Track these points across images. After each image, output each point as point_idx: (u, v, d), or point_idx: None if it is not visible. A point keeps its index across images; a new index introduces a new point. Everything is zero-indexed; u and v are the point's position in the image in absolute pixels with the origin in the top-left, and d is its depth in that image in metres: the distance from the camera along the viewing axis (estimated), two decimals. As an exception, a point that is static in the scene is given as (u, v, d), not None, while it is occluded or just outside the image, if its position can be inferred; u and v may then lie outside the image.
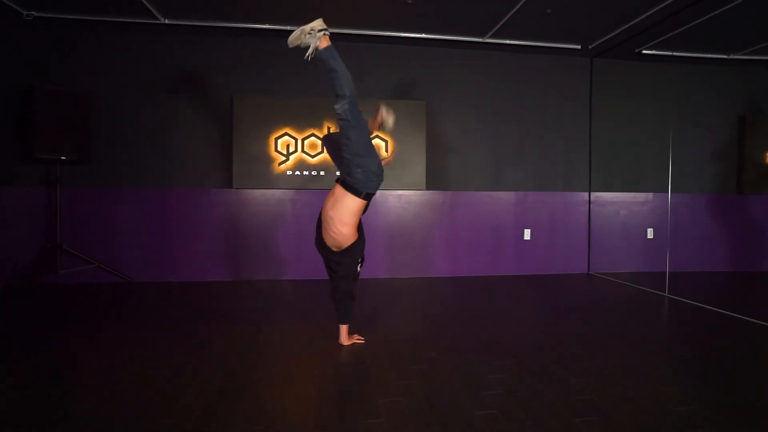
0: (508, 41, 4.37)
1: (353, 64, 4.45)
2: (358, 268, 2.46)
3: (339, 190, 2.35)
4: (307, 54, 2.29)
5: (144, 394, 1.88)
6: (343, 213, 2.34)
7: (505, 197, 4.81)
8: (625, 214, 5.03)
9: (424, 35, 4.25)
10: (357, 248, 2.42)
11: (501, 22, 3.97)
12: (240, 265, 4.40)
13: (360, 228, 2.45)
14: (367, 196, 2.35)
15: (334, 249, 2.41)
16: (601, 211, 4.99)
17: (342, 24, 4.04)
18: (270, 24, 4.04)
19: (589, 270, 4.96)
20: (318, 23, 2.28)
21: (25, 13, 3.79)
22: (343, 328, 2.54)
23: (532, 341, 2.63)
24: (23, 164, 4.00)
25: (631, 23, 3.95)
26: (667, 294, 3.89)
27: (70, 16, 3.84)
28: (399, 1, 3.63)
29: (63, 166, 4.01)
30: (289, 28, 4.06)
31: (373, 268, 4.35)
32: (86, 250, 4.12)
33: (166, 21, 3.92)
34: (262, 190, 4.41)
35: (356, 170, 2.29)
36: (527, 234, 4.84)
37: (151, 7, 3.70)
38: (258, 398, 1.86)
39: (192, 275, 4.32)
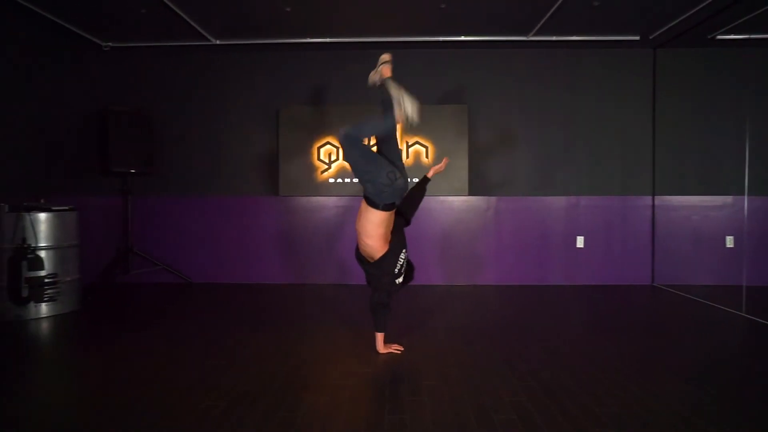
0: (554, 38, 4.13)
1: (395, 72, 4.49)
2: (397, 281, 2.46)
3: (363, 204, 2.44)
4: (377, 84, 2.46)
5: (184, 380, 2.06)
6: (366, 226, 2.41)
7: (555, 202, 4.54)
8: (698, 220, 4.50)
9: (462, 38, 4.16)
10: (386, 260, 2.44)
11: (544, 19, 3.76)
12: (287, 269, 4.62)
13: (395, 240, 2.46)
14: (386, 207, 2.37)
15: (369, 260, 2.50)
16: (667, 217, 4.51)
17: (379, 32, 4.09)
18: (311, 38, 4.20)
19: (653, 281, 4.52)
20: (383, 56, 2.49)
21: (103, 44, 4.32)
22: (379, 336, 2.56)
23: (561, 362, 2.46)
24: (103, 177, 4.54)
25: (701, 5, 3.50)
26: (743, 313, 3.42)
27: (138, 44, 4.30)
28: (433, 6, 3.60)
29: (133, 178, 4.49)
30: (329, 40, 4.21)
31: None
32: (153, 252, 4.58)
33: (218, 42, 4.23)
34: (306, 198, 4.60)
35: (366, 184, 2.37)
36: (580, 241, 4.53)
37: (204, 32, 4.03)
38: (277, 402, 1.95)
39: (242, 277, 4.62)
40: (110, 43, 4.31)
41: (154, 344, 2.72)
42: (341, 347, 2.68)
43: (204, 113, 4.61)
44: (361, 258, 2.55)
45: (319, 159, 4.51)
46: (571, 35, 4.11)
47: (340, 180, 4.51)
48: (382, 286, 2.46)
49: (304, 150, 4.52)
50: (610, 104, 4.49)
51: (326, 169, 4.51)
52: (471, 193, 4.53)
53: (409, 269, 2.58)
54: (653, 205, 4.52)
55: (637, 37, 4.12)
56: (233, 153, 4.62)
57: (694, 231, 4.51)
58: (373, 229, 2.39)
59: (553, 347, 2.65)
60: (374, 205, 2.37)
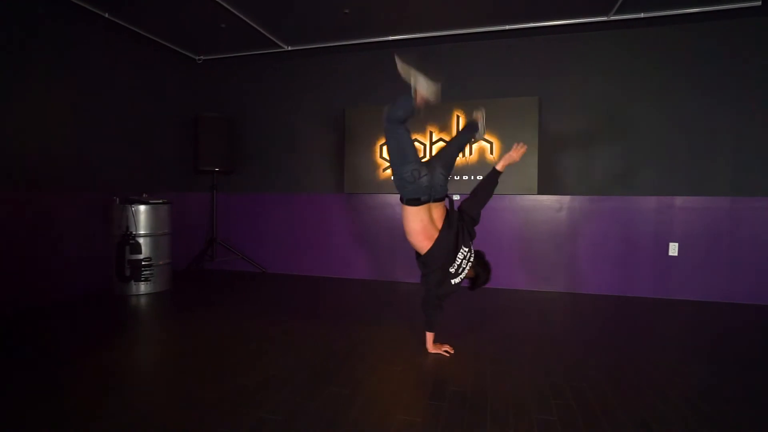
0: (641, 15, 3.60)
1: (456, 67, 4.36)
2: (453, 281, 2.40)
3: None
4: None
5: (232, 357, 2.27)
6: (403, 221, 2.42)
7: (642, 203, 3.98)
8: (844, 228, 3.58)
9: (530, 24, 3.84)
10: (430, 257, 2.39)
11: (626, -7, 3.31)
12: (350, 263, 4.76)
13: (443, 236, 2.38)
14: (409, 202, 2.35)
15: (419, 253, 2.47)
16: (797, 223, 3.66)
17: (441, 26, 3.98)
18: (373, 37, 4.25)
19: (773, 301, 3.71)
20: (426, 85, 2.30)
21: (197, 57, 4.88)
22: (429, 336, 2.54)
23: (612, 380, 2.15)
24: (196, 176, 5.15)
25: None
26: None
27: (224, 55, 4.77)
28: (493, -7, 3.39)
29: (218, 176, 5.00)
30: (391, 38, 4.22)
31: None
32: (234, 243, 5.07)
33: (289, 48, 4.51)
34: (370, 195, 4.68)
35: (394, 177, 2.39)
36: (673, 248, 3.90)
37: (274, 38, 4.32)
38: (298, 389, 2.04)
39: (309, 269, 4.87)
40: (202, 57, 4.86)
41: (221, 323, 3.05)
42: (387, 343, 2.68)
43: (278, 116, 4.95)
44: (415, 253, 2.53)
45: (381, 157, 4.55)
46: (661, 10, 3.54)
47: (401, 178, 4.49)
48: (429, 285, 2.41)
49: (367, 149, 4.60)
50: (716, 87, 3.77)
51: (387, 167, 4.53)
52: (540, 191, 4.18)
53: (481, 270, 2.48)
54: (776, 209, 3.70)
55: (759, 3, 3.40)
56: (303, 153, 4.89)
57: (838, 242, 3.59)
58: (407, 224, 2.39)
59: (616, 365, 2.33)
60: (401, 199, 2.39)
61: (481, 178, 2.63)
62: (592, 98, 4.06)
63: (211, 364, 2.33)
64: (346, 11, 3.71)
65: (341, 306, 3.62)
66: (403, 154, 2.33)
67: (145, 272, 3.96)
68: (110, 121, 4.12)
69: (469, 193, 2.60)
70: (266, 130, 5.00)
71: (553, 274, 4.18)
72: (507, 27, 3.92)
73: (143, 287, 3.96)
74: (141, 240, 3.96)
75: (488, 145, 4.26)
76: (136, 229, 3.95)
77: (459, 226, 2.43)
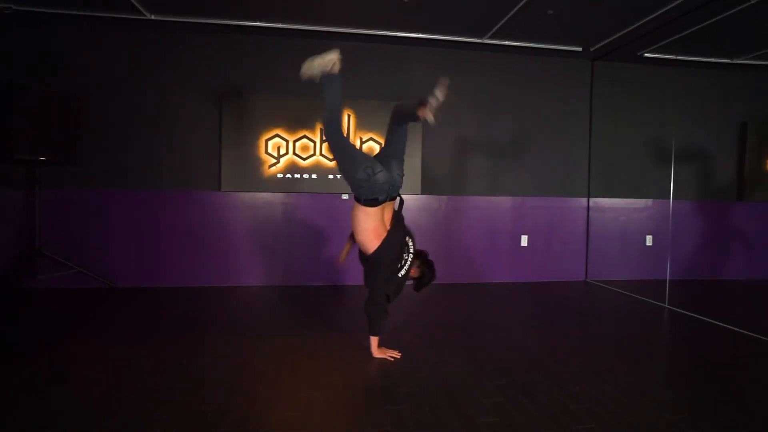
0: (507, 42, 4.24)
1: (347, 64, 4.32)
2: (400, 274, 2.40)
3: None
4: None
5: (138, 396, 1.75)
6: (353, 220, 2.40)
7: (503, 202, 4.70)
8: (624, 221, 4.93)
9: (420, 35, 4.12)
10: (379, 254, 2.34)
11: (501, 22, 3.83)
12: (229, 270, 4.26)
13: (391, 234, 2.37)
14: (368, 203, 2.32)
15: (364, 253, 2.42)
16: (599, 217, 4.89)
17: (335, 22, 3.90)
18: (262, 21, 3.89)
19: (586, 277, 4.87)
20: (335, 55, 2.40)
21: (3, 5, 3.62)
22: (373, 340, 2.46)
23: (525, 358, 2.51)
24: (1, 165, 3.83)
25: (635, 26, 3.83)
26: (666, 305, 3.80)
27: (52, 11, 3.66)
28: (396, 0, 3.49)
29: (45, 167, 3.84)
30: (281, 26, 3.93)
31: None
32: (69, 254, 3.96)
33: (153, 17, 3.75)
34: (252, 194, 4.27)
35: (349, 180, 2.37)
36: (524, 240, 4.74)
37: (135, 2, 3.54)
38: (243, 421, 1.73)
39: (179, 280, 4.18)
40: (12, 5, 3.62)
41: (65, 363, 2.32)
42: (310, 355, 2.50)
43: (136, 97, 4.07)
44: (359, 254, 2.50)
45: (266, 152, 4.21)
46: (523, 41, 4.25)
47: (289, 176, 4.25)
48: (377, 283, 2.37)
49: (249, 142, 4.18)
50: (555, 111, 4.73)
51: (274, 164, 4.22)
52: (423, 192, 4.52)
53: (426, 270, 2.53)
54: (588, 207, 4.86)
55: (580, 48, 4.38)
56: (169, 143, 4.14)
57: (621, 231, 4.93)
58: (357, 223, 2.38)
59: (514, 345, 2.71)
60: (357, 199, 2.37)
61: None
62: (466, 109, 4.57)
63: None
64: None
65: (234, 319, 3.23)
66: (351, 159, 2.34)
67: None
68: None
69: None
70: (120, 111, 4.06)
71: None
72: (396, 33, 4.10)
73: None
74: None
75: (377, 146, 4.38)
76: None
77: (404, 225, 2.50)
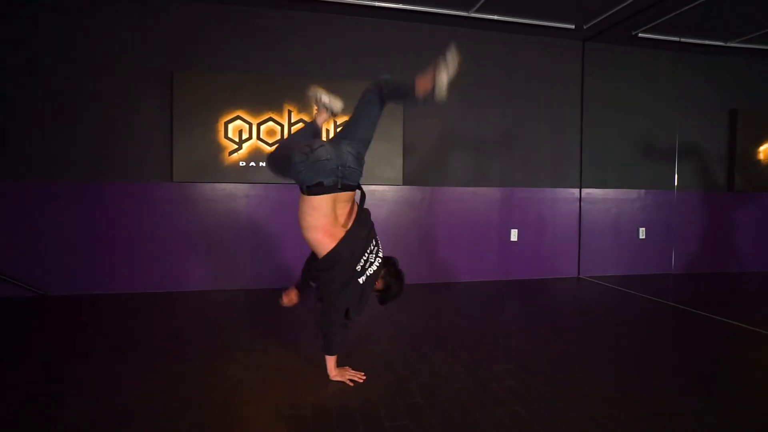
0: (496, 17, 3.85)
1: (316, 39, 3.86)
2: (360, 280, 1.91)
3: None
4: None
5: None
6: (300, 215, 1.94)
7: (490, 194, 4.32)
8: (616, 213, 4.64)
9: (401, 5, 3.67)
10: (332, 258, 1.88)
11: (490, -8, 3.45)
12: (183, 273, 3.70)
13: (351, 233, 1.92)
14: (310, 190, 1.88)
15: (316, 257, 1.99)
16: (591, 209, 4.58)
17: (304, -13, 3.42)
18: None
19: (579, 273, 4.55)
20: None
21: None
22: (329, 360, 2.00)
23: (517, 364, 2.12)
24: None
25: (629, 1, 3.52)
26: (669, 302, 3.50)
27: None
28: (372, -40, 3.04)
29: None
30: (240, -10, 3.40)
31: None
32: (-16, 257, 3.32)
33: (85, -26, 3.17)
34: (210, 184, 3.73)
35: (291, 172, 1.97)
36: (514, 235, 4.37)
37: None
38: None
39: (123, 286, 3.59)
40: None
41: None
42: (267, 376, 2.01)
43: (68, 71, 3.45)
44: (308, 258, 2.13)
45: (226, 137, 3.68)
46: (513, 16, 3.87)
47: (253, 164, 3.73)
48: (330, 296, 1.90)
49: (206, 126, 3.64)
50: (545, 95, 4.38)
51: (235, 150, 3.69)
52: (405, 182, 4.09)
53: (393, 281, 2.04)
54: (580, 198, 4.54)
55: (573, 26, 4.04)
56: (109, 126, 3.54)
57: (613, 223, 4.64)
58: (302, 216, 1.92)
59: (505, 347, 2.31)
60: (300, 189, 1.93)
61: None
62: (451, 91, 4.16)
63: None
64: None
65: (181, 331, 2.71)
66: (285, 148, 2.01)
67: None
68: None
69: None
70: (50, 89, 3.43)
71: (414, 265, 4.15)
72: (375, 3, 3.64)
73: None
74: None
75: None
76: None
77: (371, 225, 2.06)
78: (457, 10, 3.75)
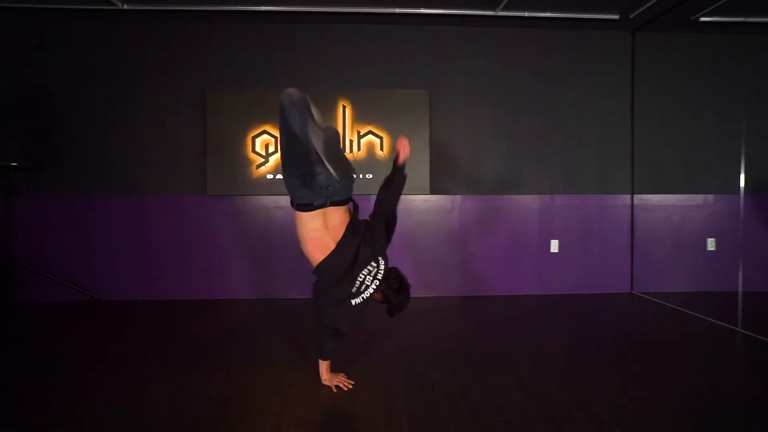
0: (525, 13, 3.61)
1: (341, 49, 3.88)
2: (353, 301, 1.93)
3: None
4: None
5: None
6: (296, 228, 1.97)
7: (526, 201, 4.03)
8: (678, 221, 4.11)
9: (422, 10, 3.57)
10: (323, 268, 1.93)
11: (515, -11, 3.23)
12: (216, 282, 3.87)
13: (336, 251, 1.91)
14: (300, 207, 1.90)
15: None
16: (646, 217, 4.10)
17: (324, 1, 3.44)
18: (243, 6, 3.49)
19: (632, 288, 4.09)
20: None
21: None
22: (322, 364, 2.06)
23: (527, 395, 1.89)
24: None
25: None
26: (739, 328, 3.00)
27: (25, 5, 3.43)
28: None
29: (18, 173, 3.63)
30: (264, 8, 3.51)
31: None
32: (47, 265, 3.72)
33: (125, 6, 3.45)
34: (241, 197, 3.88)
35: (285, 178, 1.97)
36: (554, 245, 4.04)
37: (104, -10, 3.25)
38: None
39: (164, 293, 3.83)
40: (-14, 4, 3.44)
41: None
42: (277, 377, 2.01)
43: (112, 94, 3.79)
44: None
45: (253, 151, 3.80)
46: (545, 11, 3.60)
47: (279, 176, 3.82)
48: (320, 306, 1.97)
49: (236, 141, 3.79)
50: (586, 93, 4.02)
51: (263, 163, 3.81)
52: (433, 191, 3.95)
53: (392, 294, 1.99)
54: (632, 205, 4.09)
55: (617, 16, 3.67)
56: (149, 144, 3.82)
57: (674, 233, 4.11)
58: (297, 230, 1.95)
59: (521, 373, 2.09)
60: (291, 201, 1.94)
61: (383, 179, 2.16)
62: (481, 95, 3.97)
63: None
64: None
65: (209, 334, 2.81)
66: (295, 150, 1.85)
67: None
68: None
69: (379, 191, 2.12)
70: (92, 111, 3.78)
71: (445, 277, 3.98)
72: (398, 11, 3.57)
73: None
74: None
75: (378, 140, 3.87)
76: None
77: (364, 236, 1.99)
78: (482, 10, 3.56)
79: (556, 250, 4.04)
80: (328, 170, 1.81)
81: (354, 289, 1.93)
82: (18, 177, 3.69)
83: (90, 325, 3.14)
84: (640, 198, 4.09)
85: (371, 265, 1.97)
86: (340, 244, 1.93)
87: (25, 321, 3.26)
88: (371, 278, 1.96)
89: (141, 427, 1.70)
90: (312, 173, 1.85)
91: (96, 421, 1.74)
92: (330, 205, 1.91)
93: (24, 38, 3.72)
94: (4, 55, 3.69)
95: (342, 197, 1.95)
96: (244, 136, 3.79)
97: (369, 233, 1.99)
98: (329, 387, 2.03)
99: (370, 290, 1.96)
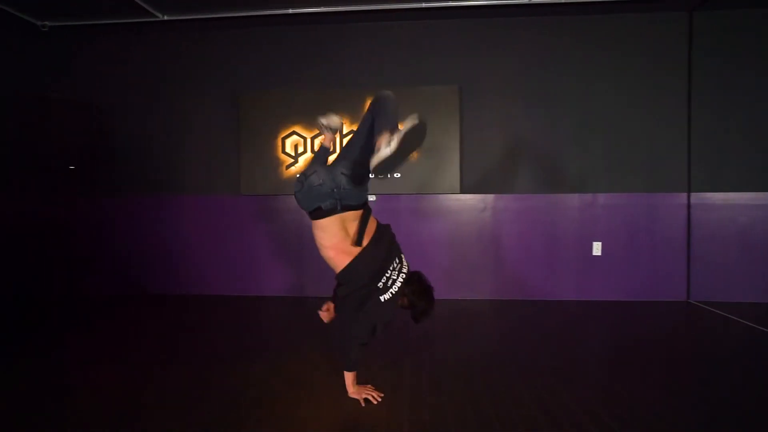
0: (563, 0, 3.37)
1: (368, 47, 3.84)
2: (383, 298, 1.89)
3: None
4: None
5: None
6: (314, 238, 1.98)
7: (566, 200, 3.77)
8: (746, 223, 3.65)
9: (450, 2, 3.45)
10: (349, 273, 1.90)
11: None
12: (248, 278, 4.00)
13: (368, 251, 1.91)
14: (312, 215, 1.93)
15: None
16: (706, 218, 3.68)
17: (351, 1, 3.43)
18: (270, 9, 3.56)
19: (688, 297, 3.69)
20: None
21: (40, 23, 3.80)
22: (348, 376, 1.97)
23: (577, 411, 1.73)
24: (32, 174, 3.97)
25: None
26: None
27: (79, 22, 3.75)
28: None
29: (75, 175, 3.95)
30: (291, 11, 3.57)
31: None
32: (102, 262, 4.03)
33: (165, 17, 3.65)
34: (272, 197, 3.97)
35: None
36: (597, 248, 3.74)
37: (147, 6, 3.45)
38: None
39: (204, 289, 4.02)
40: (47, 22, 3.79)
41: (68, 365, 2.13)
42: (300, 381, 2.02)
43: (152, 101, 4.03)
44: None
45: (283, 152, 3.87)
46: (583, -5, 3.35)
47: (309, 176, 3.86)
48: (347, 312, 1.91)
49: (267, 142, 3.89)
50: (633, 80, 3.68)
51: (292, 164, 3.87)
52: (464, 190, 3.81)
53: (416, 299, 1.93)
54: (689, 204, 3.69)
55: (671, -5, 3.33)
56: (188, 146, 4.02)
57: (740, 235, 3.66)
58: (316, 240, 1.95)
59: (541, 389, 1.92)
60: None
61: None
62: (514, 88, 3.78)
63: None
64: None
65: (237, 331, 2.89)
66: (311, 163, 2.01)
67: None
68: None
69: None
70: (135, 118, 4.04)
71: (478, 281, 3.82)
72: (427, 5, 3.48)
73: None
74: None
75: (406, 139, 3.78)
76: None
77: (391, 241, 2.01)
78: (513, -2, 3.38)
79: (599, 253, 3.74)
80: (331, 168, 1.86)
81: (381, 285, 1.89)
82: (74, 180, 4.02)
83: (140, 318, 3.35)
84: (698, 196, 3.68)
85: (395, 261, 1.96)
86: (367, 249, 1.91)
87: (96, 312, 3.53)
88: (396, 273, 1.94)
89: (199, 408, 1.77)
90: (305, 175, 1.91)
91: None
92: (342, 210, 1.89)
93: (74, 53, 4.04)
94: (60, 69, 4.03)
95: (354, 201, 1.92)
96: (275, 137, 3.87)
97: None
98: (353, 398, 1.94)
99: (397, 284, 1.91)
